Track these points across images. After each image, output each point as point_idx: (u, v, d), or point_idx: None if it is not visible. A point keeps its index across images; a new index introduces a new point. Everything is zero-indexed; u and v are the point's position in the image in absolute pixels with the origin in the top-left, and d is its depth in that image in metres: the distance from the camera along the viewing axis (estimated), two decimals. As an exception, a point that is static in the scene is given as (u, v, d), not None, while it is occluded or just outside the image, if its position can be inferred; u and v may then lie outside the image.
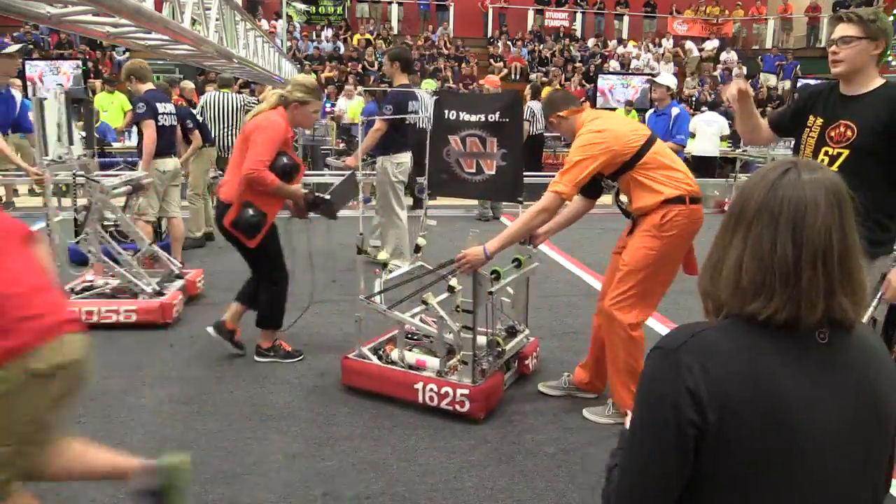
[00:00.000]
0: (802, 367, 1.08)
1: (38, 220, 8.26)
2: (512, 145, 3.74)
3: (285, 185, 3.75)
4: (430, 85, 10.72)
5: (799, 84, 11.96)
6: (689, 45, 19.99)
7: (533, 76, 17.28)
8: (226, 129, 8.44)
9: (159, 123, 5.56)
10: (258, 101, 9.93)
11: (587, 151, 3.12)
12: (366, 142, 5.64)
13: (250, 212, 3.71)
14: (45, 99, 4.93)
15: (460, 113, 3.74)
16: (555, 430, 3.26)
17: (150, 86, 5.70)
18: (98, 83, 12.62)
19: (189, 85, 10.89)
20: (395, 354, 3.64)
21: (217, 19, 4.68)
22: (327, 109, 12.00)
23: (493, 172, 3.76)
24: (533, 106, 9.95)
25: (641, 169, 3.16)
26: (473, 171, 3.80)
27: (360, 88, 12.54)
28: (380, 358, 3.66)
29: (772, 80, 18.11)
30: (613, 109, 13.29)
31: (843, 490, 1.09)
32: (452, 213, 9.09)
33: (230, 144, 8.47)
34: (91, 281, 5.13)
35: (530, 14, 21.12)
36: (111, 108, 10.74)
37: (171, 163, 5.79)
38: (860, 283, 1.10)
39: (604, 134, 3.16)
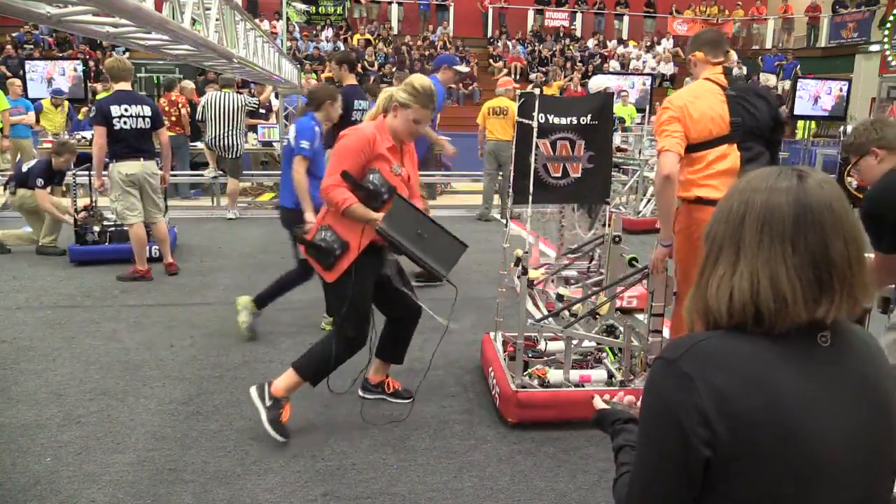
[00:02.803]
0: (808, 373, 1.06)
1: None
2: (601, 147, 3.70)
3: (358, 208, 3.03)
4: None
5: (799, 85, 11.91)
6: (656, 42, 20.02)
7: (533, 76, 17.27)
8: (225, 129, 8.45)
9: (116, 127, 5.44)
10: (258, 101, 9.98)
11: (667, 113, 3.16)
12: None
13: (325, 235, 3.11)
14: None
15: (549, 116, 3.61)
16: (555, 430, 3.26)
17: (122, 86, 5.59)
18: (98, 85, 12.64)
19: (189, 85, 10.92)
20: (553, 376, 3.46)
21: (217, 19, 4.68)
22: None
23: (578, 175, 3.70)
24: None
25: (685, 160, 3.16)
26: (559, 175, 3.69)
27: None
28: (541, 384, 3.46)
29: (772, 80, 18.11)
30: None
31: (859, 495, 1.07)
32: (453, 213, 9.09)
33: (230, 144, 8.48)
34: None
35: (530, 14, 21.12)
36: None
37: (136, 166, 5.59)
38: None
39: (676, 108, 3.15)
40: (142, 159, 5.62)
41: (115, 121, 5.45)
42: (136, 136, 5.58)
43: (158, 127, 5.78)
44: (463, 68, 5.80)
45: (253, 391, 3.18)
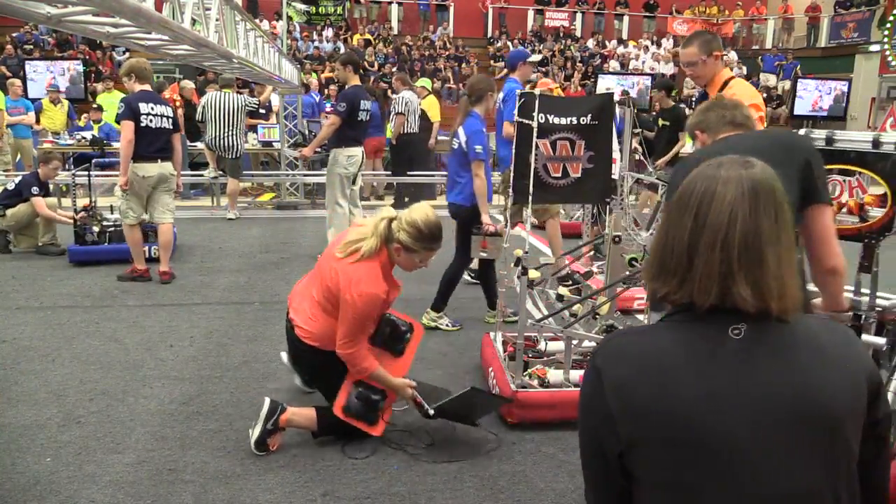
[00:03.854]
0: (714, 365, 1.05)
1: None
2: (601, 148, 3.71)
3: (385, 376, 3.07)
4: (426, 83, 10.74)
5: (799, 85, 11.92)
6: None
7: (533, 76, 17.26)
8: (225, 130, 8.45)
9: (142, 125, 5.43)
10: (258, 101, 9.98)
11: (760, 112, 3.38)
12: (321, 134, 6.51)
13: (362, 391, 3.06)
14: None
15: (549, 116, 3.61)
16: (555, 431, 3.26)
17: (146, 87, 5.61)
18: (99, 85, 12.65)
19: (189, 85, 10.92)
20: (553, 376, 3.45)
21: (217, 20, 4.68)
22: (328, 110, 12.01)
23: (578, 175, 3.71)
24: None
25: None
26: (559, 175, 3.70)
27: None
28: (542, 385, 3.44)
29: (772, 80, 18.11)
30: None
31: (798, 485, 1.04)
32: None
33: (230, 144, 8.49)
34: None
35: (530, 14, 21.11)
36: (112, 107, 10.75)
37: (153, 168, 5.55)
38: (774, 273, 1.06)
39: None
40: (159, 160, 5.60)
41: (142, 118, 5.45)
42: (159, 136, 5.57)
43: (177, 130, 5.80)
44: (536, 57, 5.85)
45: (267, 403, 3.06)
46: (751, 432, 1.03)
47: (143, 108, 5.46)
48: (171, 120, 5.66)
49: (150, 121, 5.50)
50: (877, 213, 2.40)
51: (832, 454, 1.06)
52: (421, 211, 2.98)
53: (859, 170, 2.48)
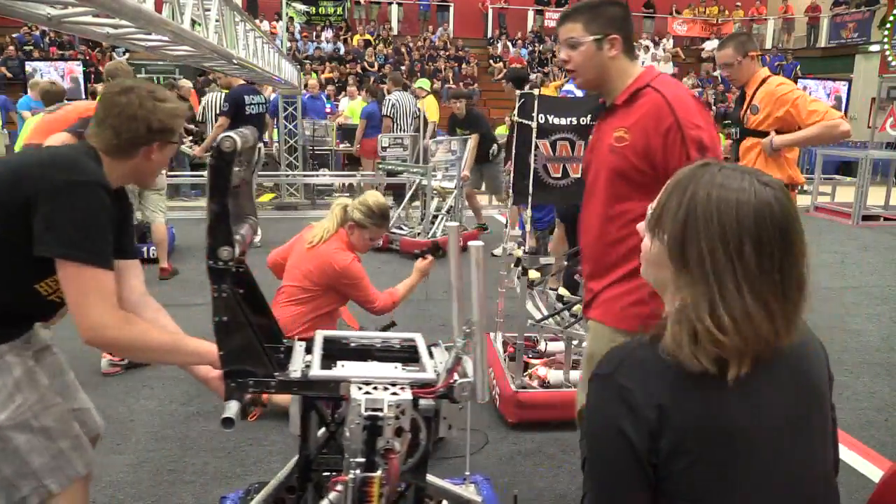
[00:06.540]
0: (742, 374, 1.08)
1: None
2: None
3: None
4: (424, 84, 10.74)
5: (798, 84, 11.92)
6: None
7: (533, 76, 17.27)
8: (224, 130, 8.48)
9: None
10: (258, 101, 9.97)
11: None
12: (210, 135, 7.56)
13: None
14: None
15: (549, 116, 3.63)
16: (555, 431, 3.25)
17: None
18: (99, 86, 12.66)
19: (187, 85, 10.92)
20: (554, 377, 3.45)
21: (217, 20, 4.69)
22: (327, 110, 12.02)
23: (578, 175, 3.70)
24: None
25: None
26: (559, 175, 3.72)
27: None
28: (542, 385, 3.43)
29: (772, 80, 18.10)
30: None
31: (801, 474, 1.10)
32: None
33: (230, 145, 8.51)
34: None
35: (530, 14, 21.12)
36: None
37: None
38: None
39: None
40: None
41: None
42: None
43: None
44: None
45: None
46: (771, 432, 1.07)
47: None
48: None
49: None
50: None
51: (827, 426, 1.16)
52: (372, 195, 3.44)
53: None
